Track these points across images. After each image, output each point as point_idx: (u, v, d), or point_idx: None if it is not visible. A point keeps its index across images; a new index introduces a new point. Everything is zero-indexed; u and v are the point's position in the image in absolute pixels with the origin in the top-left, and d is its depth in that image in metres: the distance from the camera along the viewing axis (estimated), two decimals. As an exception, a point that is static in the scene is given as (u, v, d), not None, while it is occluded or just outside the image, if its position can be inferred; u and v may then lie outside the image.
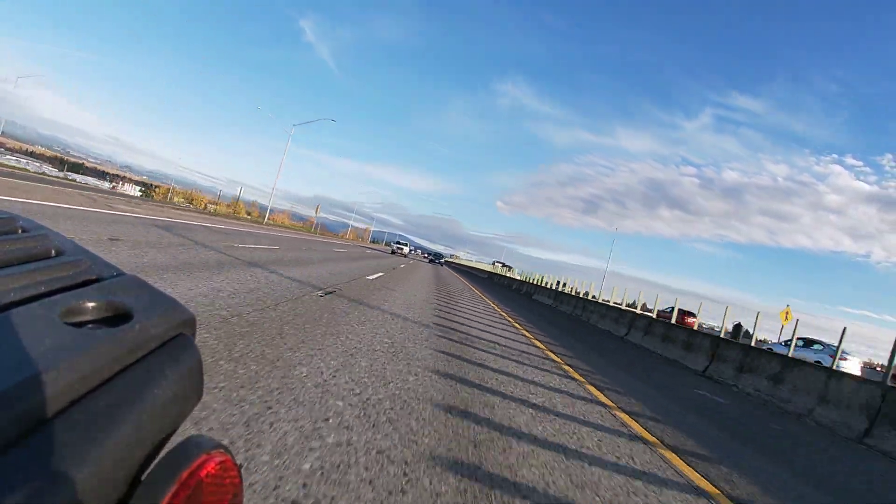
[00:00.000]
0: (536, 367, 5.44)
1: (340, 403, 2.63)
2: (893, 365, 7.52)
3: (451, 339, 5.71)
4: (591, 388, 5.09)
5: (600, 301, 20.95)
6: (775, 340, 18.05)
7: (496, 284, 35.36)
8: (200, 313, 3.72)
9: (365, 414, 2.58)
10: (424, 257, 79.38)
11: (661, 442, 3.72)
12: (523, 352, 6.39)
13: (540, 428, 3.20)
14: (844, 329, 9.49)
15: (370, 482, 1.88)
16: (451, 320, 7.58)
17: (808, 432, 6.17)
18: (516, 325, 9.99)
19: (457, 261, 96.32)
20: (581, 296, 23.43)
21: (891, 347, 7.67)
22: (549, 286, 29.02)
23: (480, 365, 4.68)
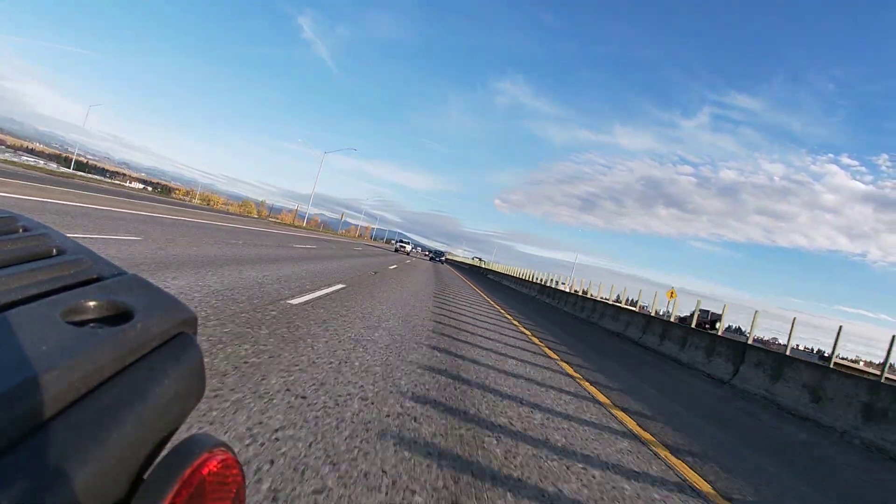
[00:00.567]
0: (468, 290, 17.66)
1: (399, 294, 9.44)
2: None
3: (441, 282, 17.50)
4: (488, 299, 15.42)
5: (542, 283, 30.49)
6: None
7: (469, 271, 53.80)
8: (348, 272, 10.50)
9: (405, 296, 9.67)
10: (425, 255, 76.55)
11: (525, 328, 10.50)
12: (466, 288, 18.78)
13: (469, 307, 11.24)
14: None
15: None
16: (441, 282, 18.01)
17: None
18: (468, 283, 24.42)
19: (450, 257, 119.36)
20: (519, 276, 39.61)
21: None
22: (500, 272, 48.24)
23: (448, 288, 15.64)
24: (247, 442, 1.99)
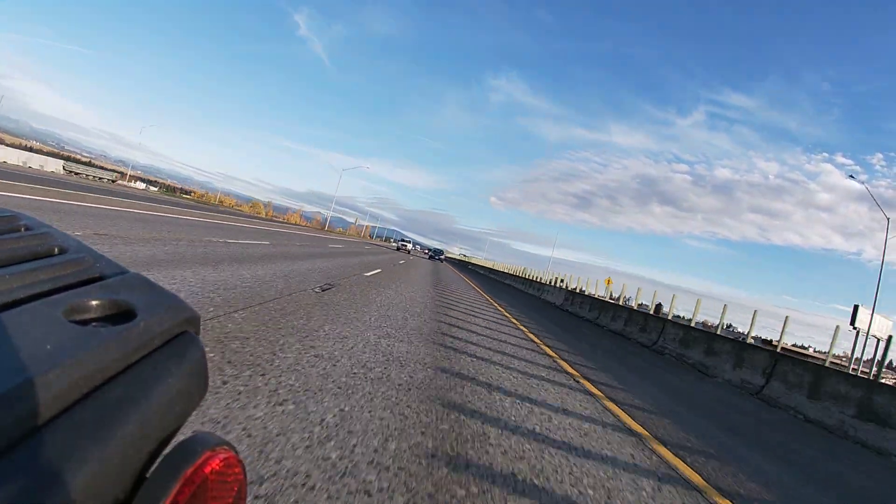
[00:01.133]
0: (452, 273, 30.06)
1: (417, 270, 22.25)
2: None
3: (435, 268, 31.05)
4: (462, 276, 29.97)
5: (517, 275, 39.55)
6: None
7: (457, 263, 69.90)
8: (381, 263, 18.38)
9: (412, 273, 19.43)
10: (425, 253, 75.37)
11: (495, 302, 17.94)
12: (452, 272, 31.26)
13: (452, 275, 26.76)
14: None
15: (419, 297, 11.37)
16: (436, 268, 30.72)
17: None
18: (452, 270, 37.26)
19: (446, 254, 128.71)
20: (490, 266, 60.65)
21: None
22: (477, 263, 72.22)
23: (440, 270, 30.06)
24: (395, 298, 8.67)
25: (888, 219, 19.28)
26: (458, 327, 7.04)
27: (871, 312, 16.17)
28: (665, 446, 3.66)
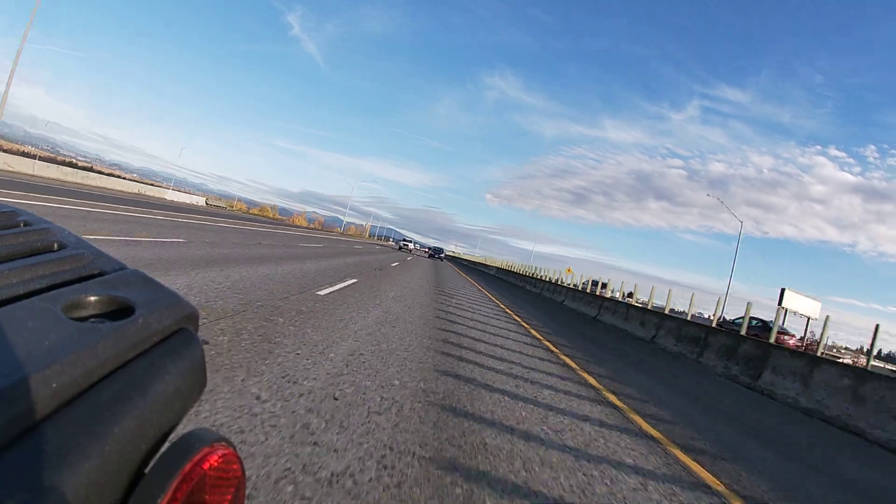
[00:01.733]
0: (446, 265, 38.34)
1: (422, 261, 33.76)
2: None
3: (435, 264, 35.61)
4: (454, 267, 37.34)
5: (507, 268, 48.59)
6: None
7: (451, 259, 76.68)
8: (395, 259, 24.74)
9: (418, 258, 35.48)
10: (425, 252, 74.02)
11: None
12: (445, 265, 39.43)
13: (445, 267, 34.53)
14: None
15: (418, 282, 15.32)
16: (434, 263, 36.21)
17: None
18: (445, 263, 47.76)
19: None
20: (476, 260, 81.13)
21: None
22: (463, 256, 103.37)
23: (437, 263, 37.00)
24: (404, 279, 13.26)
25: (741, 222, 25.97)
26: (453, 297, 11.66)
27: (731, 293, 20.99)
28: (572, 359, 6.21)
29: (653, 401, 4.80)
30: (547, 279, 28.55)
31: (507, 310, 11.39)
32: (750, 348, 8.49)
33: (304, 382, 2.75)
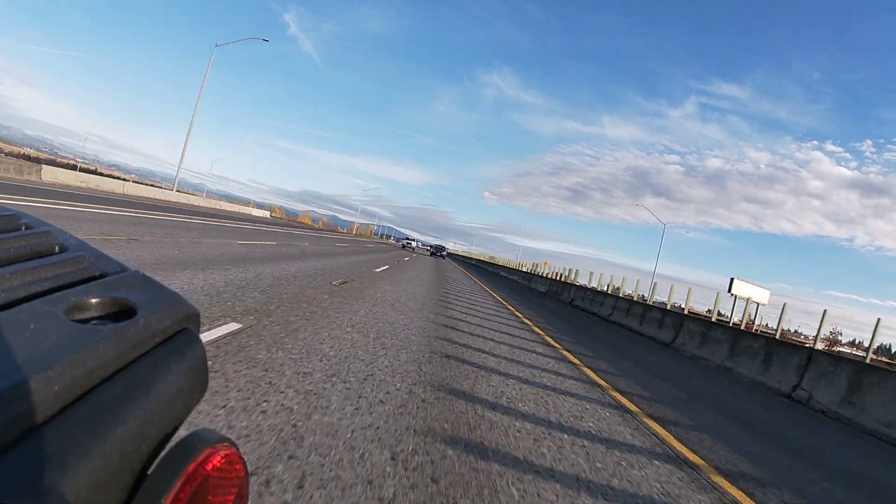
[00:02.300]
0: (444, 261, 46.31)
1: (426, 258, 42.72)
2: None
3: (434, 258, 47.26)
4: (458, 267, 40.99)
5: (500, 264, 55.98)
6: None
7: (450, 256, 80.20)
8: (402, 256, 30.14)
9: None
10: (426, 250, 73.69)
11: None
12: (448, 264, 41.73)
13: (445, 262, 44.70)
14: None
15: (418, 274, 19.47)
16: (434, 259, 46.95)
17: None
18: (450, 261, 55.73)
19: None
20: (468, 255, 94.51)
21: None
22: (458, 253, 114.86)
23: (438, 261, 42.58)
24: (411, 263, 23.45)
25: (664, 224, 29.48)
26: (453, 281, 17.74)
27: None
28: (551, 338, 8.21)
29: (572, 340, 8.52)
30: (536, 274, 34.61)
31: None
32: (672, 318, 11.95)
33: (388, 295, 8.15)
